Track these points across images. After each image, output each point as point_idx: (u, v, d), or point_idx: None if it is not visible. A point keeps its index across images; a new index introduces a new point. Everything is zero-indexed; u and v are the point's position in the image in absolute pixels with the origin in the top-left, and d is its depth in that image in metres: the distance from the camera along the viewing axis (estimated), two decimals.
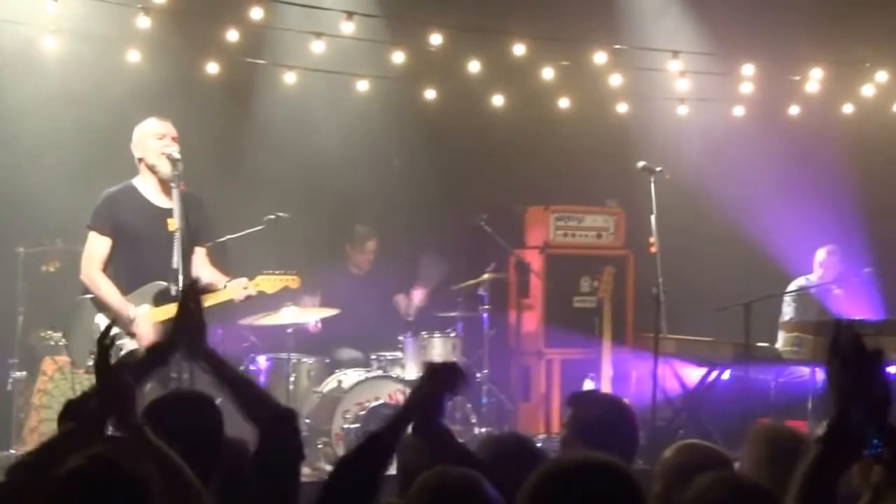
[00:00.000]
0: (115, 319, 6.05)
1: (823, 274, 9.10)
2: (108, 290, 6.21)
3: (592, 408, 4.02)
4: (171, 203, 6.22)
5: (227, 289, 6.30)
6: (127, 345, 6.16)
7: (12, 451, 7.33)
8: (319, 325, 8.36)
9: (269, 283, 6.57)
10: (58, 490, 2.50)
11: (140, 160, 6.40)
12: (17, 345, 7.68)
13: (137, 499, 2.51)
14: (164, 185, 6.32)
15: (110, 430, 2.99)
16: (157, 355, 3.42)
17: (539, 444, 5.67)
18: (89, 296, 6.27)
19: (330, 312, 8.12)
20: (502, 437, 4.23)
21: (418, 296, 8.71)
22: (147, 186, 6.38)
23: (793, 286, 9.10)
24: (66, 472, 2.51)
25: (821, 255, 9.13)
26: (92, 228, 6.32)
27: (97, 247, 6.29)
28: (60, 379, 7.78)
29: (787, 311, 9.02)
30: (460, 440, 3.49)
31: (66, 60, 8.06)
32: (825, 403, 7.70)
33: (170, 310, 5.99)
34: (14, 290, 7.67)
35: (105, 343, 3.09)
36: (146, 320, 6.12)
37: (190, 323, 3.34)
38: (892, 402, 2.49)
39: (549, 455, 3.70)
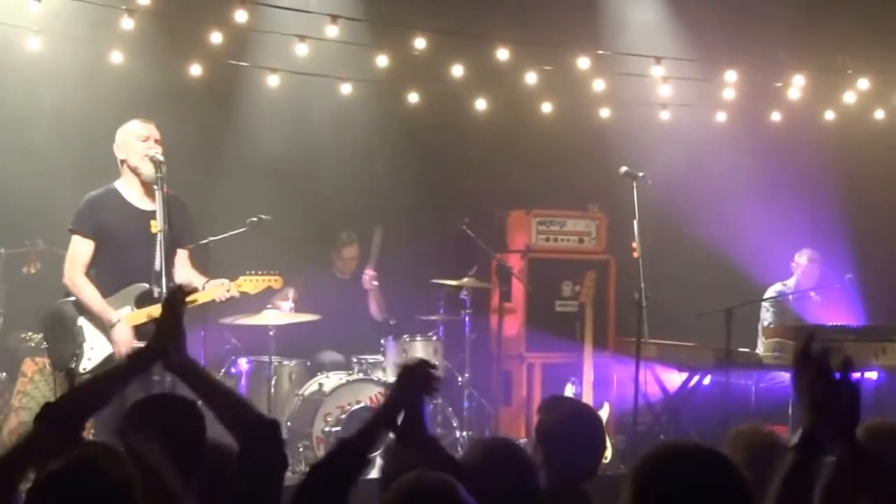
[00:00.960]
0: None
1: (801, 280, 9.13)
2: (90, 295, 6.20)
3: (556, 415, 3.99)
4: (154, 205, 6.21)
5: (206, 290, 6.30)
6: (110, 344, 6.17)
7: None
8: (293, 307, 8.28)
9: (251, 283, 6.56)
10: (39, 492, 2.50)
11: (123, 162, 6.38)
12: None
13: (119, 500, 2.50)
14: (147, 187, 6.31)
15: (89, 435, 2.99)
16: (138, 361, 3.41)
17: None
18: (72, 299, 6.25)
19: (310, 317, 8.11)
20: (491, 443, 4.20)
21: (367, 278, 8.67)
22: (129, 189, 6.36)
23: (770, 292, 9.14)
24: (48, 473, 2.51)
25: (801, 259, 9.16)
26: (74, 232, 6.30)
27: (80, 249, 6.27)
28: (40, 380, 7.75)
29: (766, 316, 9.06)
30: (443, 447, 3.48)
31: (49, 61, 8.04)
32: (797, 411, 7.76)
33: (152, 311, 6.01)
34: None
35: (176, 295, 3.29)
36: (125, 327, 6.11)
37: (169, 332, 3.32)
38: (858, 412, 2.53)
39: (535, 460, 3.71)
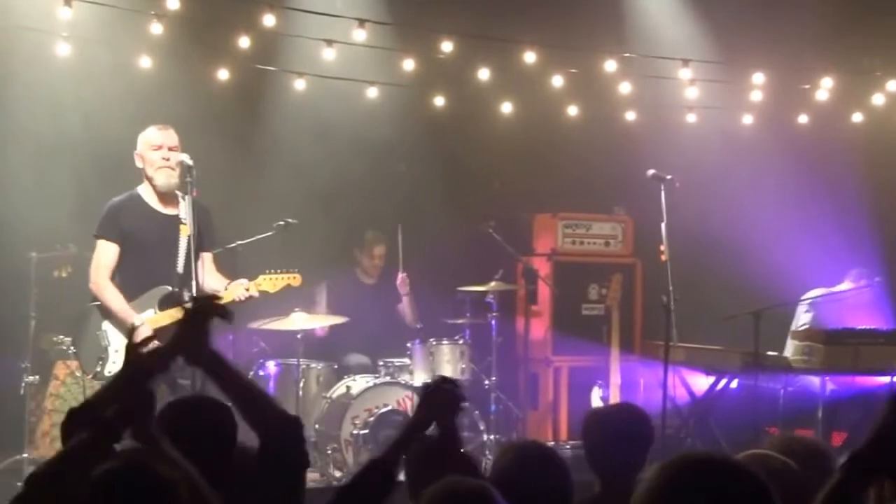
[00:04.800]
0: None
1: (850, 293, 8.97)
2: (113, 299, 6.25)
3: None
4: (175, 210, 6.28)
5: (227, 290, 6.33)
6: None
7: (25, 455, 7.36)
8: (326, 329, 8.37)
9: (270, 282, 6.59)
10: (90, 493, 2.52)
11: (141, 169, 6.44)
12: (30, 349, 7.71)
13: (167, 502, 2.53)
14: (162, 195, 6.36)
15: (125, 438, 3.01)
16: (159, 361, 3.41)
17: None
18: (97, 303, 6.30)
19: (338, 320, 8.14)
20: (523, 446, 4.16)
21: (401, 282, 8.64)
22: (151, 194, 6.41)
23: (811, 294, 8.98)
24: (97, 476, 2.53)
25: (854, 277, 8.96)
26: (99, 237, 6.36)
27: (105, 254, 6.33)
28: (72, 383, 7.81)
29: (804, 318, 8.91)
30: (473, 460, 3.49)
31: (78, 66, 8.10)
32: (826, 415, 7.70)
33: (174, 314, 6.05)
34: (27, 295, 7.71)
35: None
36: (147, 329, 6.16)
37: (193, 329, 3.32)
38: None
39: (567, 464, 3.71)
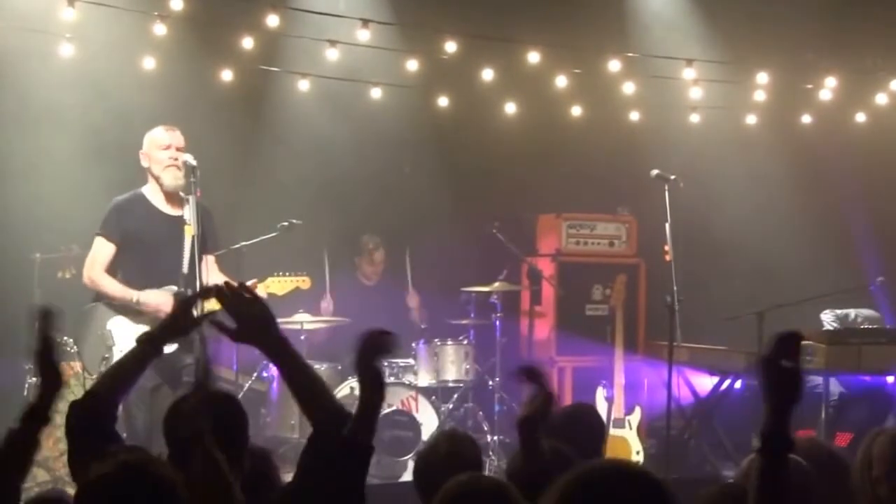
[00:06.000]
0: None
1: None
2: (108, 283, 6.29)
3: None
4: (179, 211, 6.28)
5: None
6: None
7: None
8: (323, 335, 8.35)
9: (279, 284, 6.60)
10: (88, 496, 2.53)
11: (147, 169, 6.44)
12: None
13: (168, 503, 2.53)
14: (169, 194, 6.36)
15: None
16: (152, 343, 3.39)
17: None
18: (100, 302, 6.31)
19: (340, 321, 8.15)
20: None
21: (414, 304, 8.72)
22: (156, 194, 6.42)
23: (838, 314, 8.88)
24: (95, 478, 2.53)
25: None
26: (100, 234, 6.38)
27: (100, 251, 6.36)
28: (76, 385, 7.80)
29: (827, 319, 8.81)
30: None
31: (82, 67, 8.11)
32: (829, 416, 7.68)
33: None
34: (30, 295, 7.71)
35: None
36: (149, 294, 6.19)
37: (179, 328, 3.35)
38: (797, 391, 2.48)
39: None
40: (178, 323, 3.39)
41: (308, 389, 3.21)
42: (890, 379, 8.07)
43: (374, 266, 8.87)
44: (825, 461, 3.61)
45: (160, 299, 6.18)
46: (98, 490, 2.52)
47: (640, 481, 2.22)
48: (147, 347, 3.37)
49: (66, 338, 7.70)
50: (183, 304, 3.42)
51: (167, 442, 3.34)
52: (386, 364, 8.12)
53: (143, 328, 6.20)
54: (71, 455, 3.28)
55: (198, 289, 6.05)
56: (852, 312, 8.73)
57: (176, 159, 6.34)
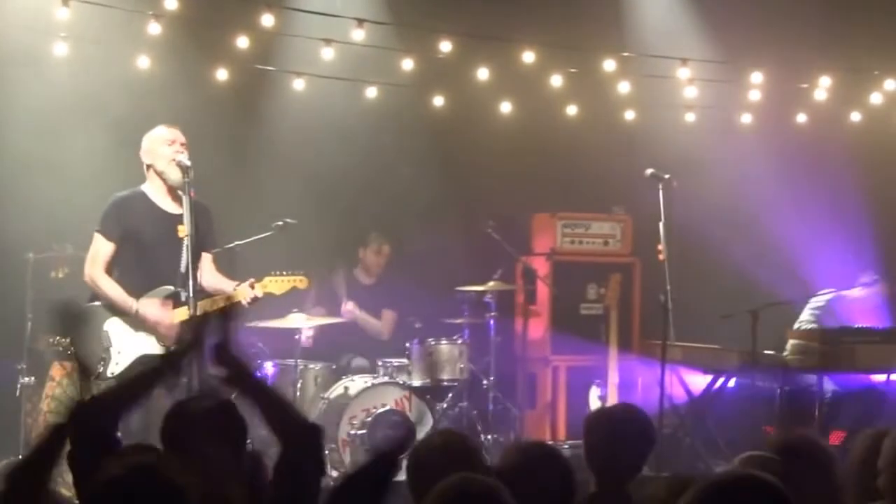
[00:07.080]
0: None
1: (864, 297, 8.89)
2: (109, 287, 6.25)
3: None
4: (180, 209, 6.25)
5: (237, 292, 6.31)
6: (141, 346, 6.20)
7: (21, 457, 7.34)
8: (311, 340, 8.33)
9: (276, 284, 6.56)
10: (100, 497, 2.52)
11: (149, 167, 6.42)
12: (26, 350, 7.70)
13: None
14: (173, 191, 6.35)
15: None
16: (169, 364, 3.42)
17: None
18: (97, 303, 6.30)
19: (336, 320, 8.15)
20: (527, 446, 4.19)
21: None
22: (156, 192, 6.40)
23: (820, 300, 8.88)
24: (107, 479, 2.53)
25: (866, 282, 8.88)
26: (99, 232, 6.36)
27: (100, 248, 6.33)
28: (69, 384, 7.79)
29: (806, 318, 8.83)
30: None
31: (76, 66, 8.10)
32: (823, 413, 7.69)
33: (179, 314, 6.06)
34: (23, 295, 7.70)
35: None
36: (148, 305, 6.17)
37: (195, 346, 3.35)
38: None
39: (572, 464, 3.73)
40: (192, 346, 3.39)
41: (272, 407, 3.27)
42: (883, 378, 8.08)
43: (381, 258, 8.87)
44: (815, 455, 3.64)
45: (158, 314, 6.16)
46: (108, 492, 2.52)
47: (770, 491, 2.37)
48: (164, 368, 3.40)
49: (59, 337, 7.73)
50: (196, 329, 3.41)
51: (162, 442, 3.35)
52: (380, 363, 8.18)
53: (141, 332, 6.23)
54: (71, 455, 3.29)
55: (190, 288, 6.05)
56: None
57: (181, 153, 6.33)
